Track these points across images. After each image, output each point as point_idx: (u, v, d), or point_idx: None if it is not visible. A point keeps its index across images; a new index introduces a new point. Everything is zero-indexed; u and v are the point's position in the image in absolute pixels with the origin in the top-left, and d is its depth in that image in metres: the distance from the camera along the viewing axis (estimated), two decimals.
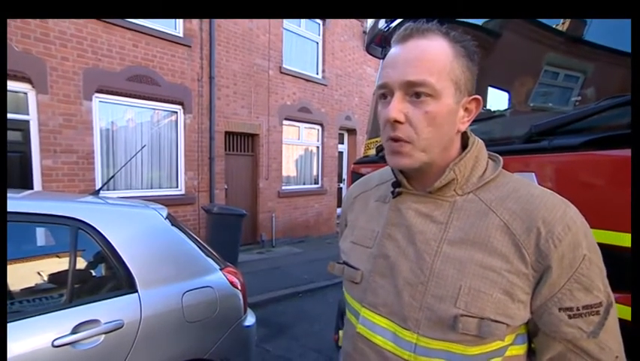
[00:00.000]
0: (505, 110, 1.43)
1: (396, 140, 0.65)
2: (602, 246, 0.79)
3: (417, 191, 0.71)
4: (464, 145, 0.71)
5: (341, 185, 9.28)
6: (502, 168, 0.70)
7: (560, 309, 0.60)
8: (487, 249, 0.62)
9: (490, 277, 0.60)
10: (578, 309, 0.59)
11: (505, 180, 0.68)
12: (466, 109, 0.67)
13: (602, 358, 0.61)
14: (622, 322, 0.75)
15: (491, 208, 0.64)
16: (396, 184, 0.73)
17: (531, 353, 0.69)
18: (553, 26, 1.17)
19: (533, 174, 0.97)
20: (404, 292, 0.66)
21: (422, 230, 0.67)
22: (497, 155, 0.73)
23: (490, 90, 1.51)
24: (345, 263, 0.80)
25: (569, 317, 0.59)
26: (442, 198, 0.68)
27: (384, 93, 0.66)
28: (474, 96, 0.67)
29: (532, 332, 0.66)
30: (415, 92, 0.62)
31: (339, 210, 8.09)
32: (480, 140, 0.72)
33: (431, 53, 0.62)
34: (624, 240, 0.78)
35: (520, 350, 0.66)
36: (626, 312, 0.76)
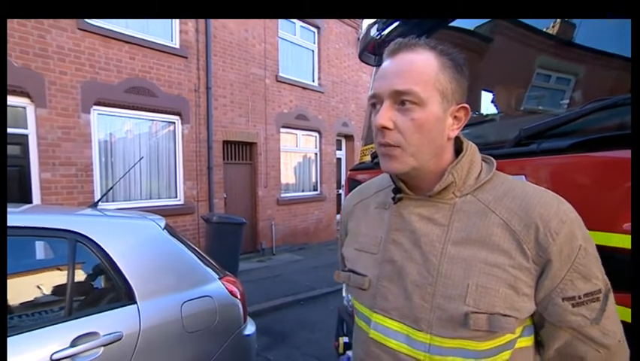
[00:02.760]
0: (497, 113, 1.45)
1: (386, 145, 0.68)
2: None
3: (417, 196, 0.73)
4: (458, 150, 0.73)
5: (340, 191, 9.28)
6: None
7: (563, 299, 0.62)
8: (490, 246, 0.64)
9: (495, 273, 0.63)
10: (580, 298, 0.62)
11: (499, 181, 0.70)
12: (455, 117, 0.70)
13: (605, 342, 0.63)
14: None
15: (490, 208, 0.67)
16: (396, 190, 0.75)
17: (538, 344, 0.70)
18: (544, 29, 1.19)
19: (523, 176, 0.98)
20: (414, 295, 0.68)
21: (426, 233, 0.69)
22: (490, 157, 0.75)
23: (483, 94, 1.53)
24: (350, 271, 0.81)
25: (573, 305, 0.62)
26: (442, 201, 0.70)
27: (375, 103, 0.70)
28: (462, 105, 0.70)
29: (538, 324, 0.68)
30: (401, 100, 0.65)
31: (338, 216, 8.12)
32: (473, 144, 0.74)
33: (418, 65, 0.66)
34: (612, 240, 0.79)
35: (527, 341, 0.68)
36: (626, 313, 0.75)
